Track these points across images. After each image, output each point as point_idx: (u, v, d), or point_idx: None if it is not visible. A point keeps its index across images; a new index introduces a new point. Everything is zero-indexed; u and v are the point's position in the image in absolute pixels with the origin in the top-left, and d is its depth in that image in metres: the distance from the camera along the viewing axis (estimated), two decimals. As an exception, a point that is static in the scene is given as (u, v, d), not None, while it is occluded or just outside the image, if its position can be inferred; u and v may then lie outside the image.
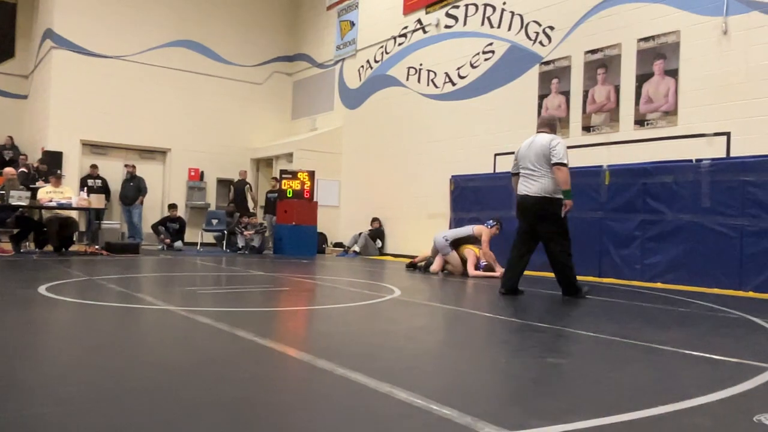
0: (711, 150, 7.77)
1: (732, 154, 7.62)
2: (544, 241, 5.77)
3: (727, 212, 7.16)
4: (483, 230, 8.51)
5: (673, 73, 8.34)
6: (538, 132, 5.90)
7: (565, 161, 5.57)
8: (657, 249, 7.76)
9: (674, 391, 2.46)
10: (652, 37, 8.58)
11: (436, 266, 8.59)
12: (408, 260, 9.75)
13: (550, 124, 5.94)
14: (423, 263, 8.96)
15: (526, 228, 5.85)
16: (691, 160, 7.54)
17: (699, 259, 7.31)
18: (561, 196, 5.61)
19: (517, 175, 5.90)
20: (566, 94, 9.69)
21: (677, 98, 8.28)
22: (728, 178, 7.20)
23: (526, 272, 7.84)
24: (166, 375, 2.53)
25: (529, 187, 5.68)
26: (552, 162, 5.54)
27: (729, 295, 6.64)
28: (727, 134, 7.73)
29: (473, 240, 8.59)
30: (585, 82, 9.44)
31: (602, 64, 9.21)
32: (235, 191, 14.68)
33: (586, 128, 9.37)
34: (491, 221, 8.70)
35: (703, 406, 2.26)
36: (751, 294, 6.76)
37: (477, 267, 8.30)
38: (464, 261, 8.42)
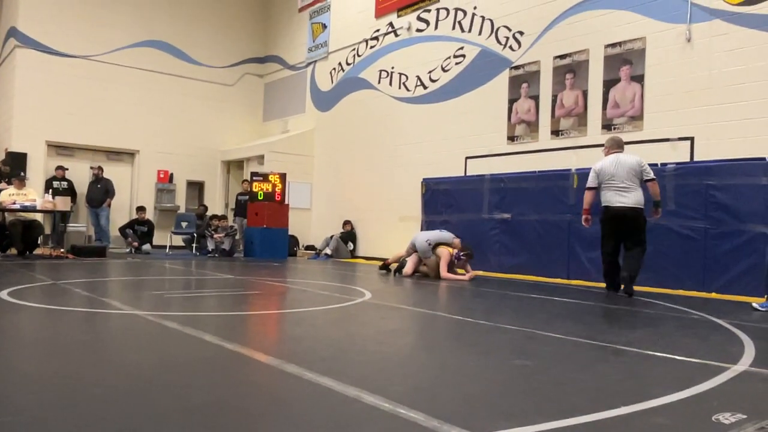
0: (675, 154, 7.94)
1: (695, 159, 7.80)
2: (632, 244, 6.51)
3: (690, 215, 7.32)
4: (444, 254, 8.25)
5: (639, 79, 8.50)
6: (611, 152, 6.71)
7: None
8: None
9: (637, 392, 2.51)
10: (619, 44, 8.74)
11: (409, 269, 8.58)
12: (380, 263, 9.75)
13: (622, 145, 6.83)
14: (396, 265, 8.93)
15: (617, 236, 6.59)
16: (656, 164, 7.66)
17: (664, 261, 7.46)
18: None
19: (595, 189, 6.68)
20: (536, 98, 9.81)
21: (643, 103, 8.44)
22: (692, 181, 7.36)
23: (496, 275, 8.15)
24: (132, 381, 2.49)
25: (625, 199, 6.47)
26: (647, 179, 6.50)
27: (693, 297, 6.79)
28: (691, 139, 7.91)
29: (448, 243, 8.60)
30: (554, 86, 9.57)
31: (570, 69, 9.35)
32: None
33: (555, 132, 9.50)
34: (462, 254, 8.32)
35: (664, 406, 2.31)
36: (714, 295, 6.92)
37: (452, 263, 8.25)
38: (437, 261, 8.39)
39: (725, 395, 2.53)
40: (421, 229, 10.72)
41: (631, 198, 6.45)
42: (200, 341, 3.32)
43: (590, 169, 8.42)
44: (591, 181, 6.71)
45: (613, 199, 6.53)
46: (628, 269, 6.43)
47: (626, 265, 6.47)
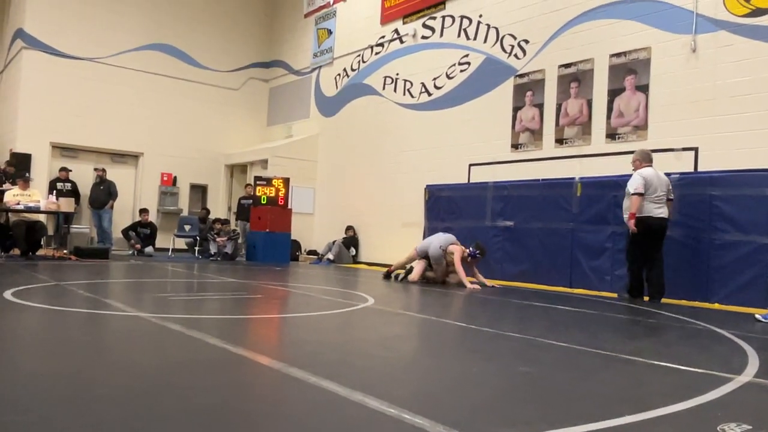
0: (679, 164, 7.94)
1: (699, 169, 7.80)
2: (658, 253, 7.05)
3: (694, 225, 7.32)
4: (456, 249, 8.33)
5: (643, 89, 8.51)
6: (644, 165, 7.14)
7: None
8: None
9: (641, 401, 2.51)
10: (624, 53, 8.76)
11: (416, 275, 8.55)
12: (383, 269, 9.73)
13: (652, 159, 7.30)
14: (401, 272, 8.90)
15: (648, 245, 6.99)
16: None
17: (667, 271, 7.42)
18: None
19: (643, 195, 6.93)
20: (540, 106, 9.82)
21: (647, 113, 8.45)
22: (696, 192, 7.35)
23: (499, 282, 8.28)
24: (136, 382, 2.49)
25: (662, 212, 7.00)
26: (671, 197, 7.14)
27: (696, 307, 6.77)
28: (695, 149, 7.91)
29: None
30: (558, 95, 9.58)
31: (575, 78, 9.36)
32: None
33: (559, 141, 9.51)
34: (477, 251, 8.37)
35: (669, 415, 2.30)
36: (717, 306, 6.91)
37: (464, 260, 8.26)
38: (449, 262, 8.42)
39: (730, 406, 2.52)
40: (424, 236, 10.71)
41: (665, 211, 7.02)
42: (204, 344, 3.32)
43: (594, 178, 8.51)
44: (641, 187, 6.97)
45: (655, 211, 6.98)
46: (659, 281, 7.01)
47: (657, 277, 7.01)
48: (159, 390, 2.40)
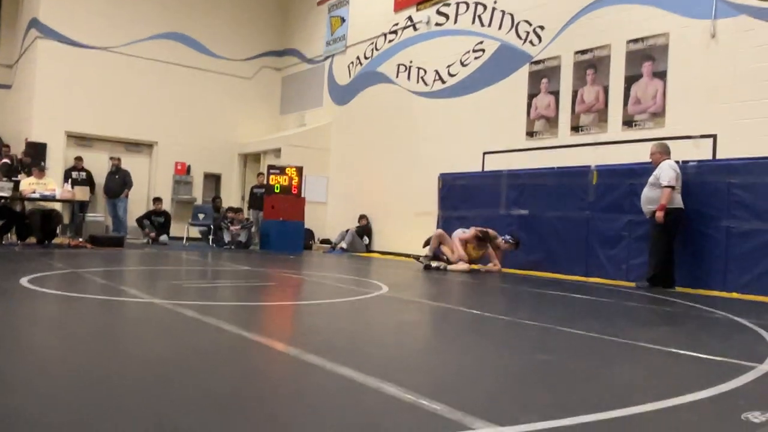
0: (697, 152, 7.82)
1: (718, 157, 7.67)
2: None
3: (712, 214, 7.21)
4: (470, 231, 8.83)
5: (661, 75, 8.38)
6: (664, 158, 7.24)
7: None
8: (643, 249, 7.76)
9: (662, 389, 2.47)
10: (641, 39, 8.62)
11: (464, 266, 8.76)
12: (397, 258, 9.72)
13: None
14: (438, 263, 8.95)
15: (676, 234, 7.17)
16: (678, 161, 7.57)
17: (684, 260, 7.36)
18: None
19: (674, 188, 7.05)
20: (555, 93, 9.72)
21: (665, 100, 8.32)
22: (714, 179, 7.25)
23: (513, 271, 8.31)
24: (151, 368, 2.49)
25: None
26: None
27: (713, 296, 6.69)
28: (714, 136, 7.78)
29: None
30: (574, 82, 9.46)
31: (591, 64, 9.24)
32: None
33: (575, 128, 9.41)
34: (509, 237, 9.04)
35: (691, 403, 2.26)
36: (735, 295, 6.82)
37: (496, 247, 8.93)
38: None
39: (752, 394, 2.48)
40: (437, 225, 10.64)
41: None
42: (220, 330, 3.32)
43: (611, 166, 8.42)
44: (673, 181, 7.01)
45: (681, 202, 7.12)
46: (673, 272, 7.18)
47: (672, 269, 7.16)
48: (176, 376, 2.40)
